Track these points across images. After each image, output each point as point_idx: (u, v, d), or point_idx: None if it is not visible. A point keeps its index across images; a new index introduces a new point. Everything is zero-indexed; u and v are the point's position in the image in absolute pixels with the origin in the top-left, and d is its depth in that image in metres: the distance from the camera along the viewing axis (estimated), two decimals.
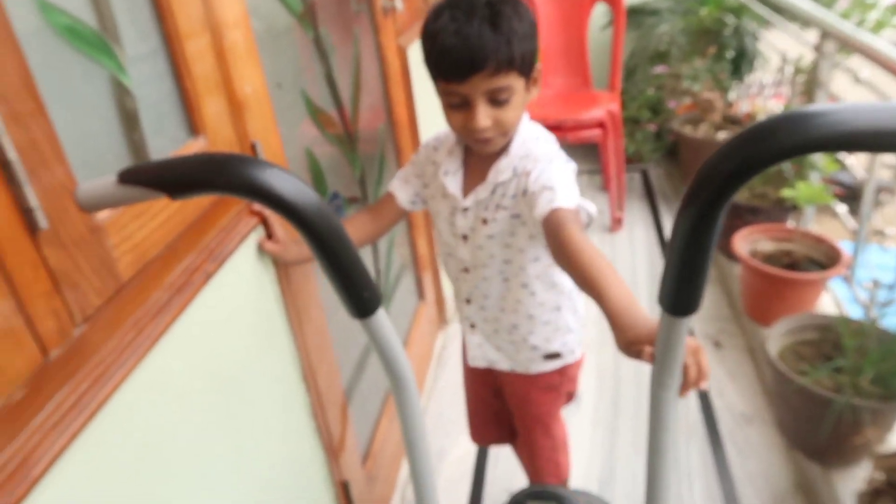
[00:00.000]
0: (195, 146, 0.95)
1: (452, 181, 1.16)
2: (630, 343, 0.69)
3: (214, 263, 0.93)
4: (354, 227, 1.23)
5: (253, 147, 1.09)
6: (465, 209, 1.15)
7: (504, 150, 1.10)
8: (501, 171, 1.10)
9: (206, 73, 0.96)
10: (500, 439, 1.58)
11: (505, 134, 1.05)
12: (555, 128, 2.80)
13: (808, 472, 1.71)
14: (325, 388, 1.29)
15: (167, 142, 0.91)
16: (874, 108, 0.46)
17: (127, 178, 0.59)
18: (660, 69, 3.35)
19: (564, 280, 1.21)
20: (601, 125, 2.88)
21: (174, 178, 0.57)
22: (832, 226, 2.42)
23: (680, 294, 0.59)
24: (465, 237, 1.18)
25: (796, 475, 1.77)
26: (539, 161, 1.06)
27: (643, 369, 2.23)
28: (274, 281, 1.13)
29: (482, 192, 1.12)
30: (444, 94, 1.04)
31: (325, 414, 1.29)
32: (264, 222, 1.08)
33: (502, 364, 1.33)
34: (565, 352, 1.28)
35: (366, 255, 1.76)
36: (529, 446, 1.44)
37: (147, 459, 0.77)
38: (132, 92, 0.83)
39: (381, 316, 0.66)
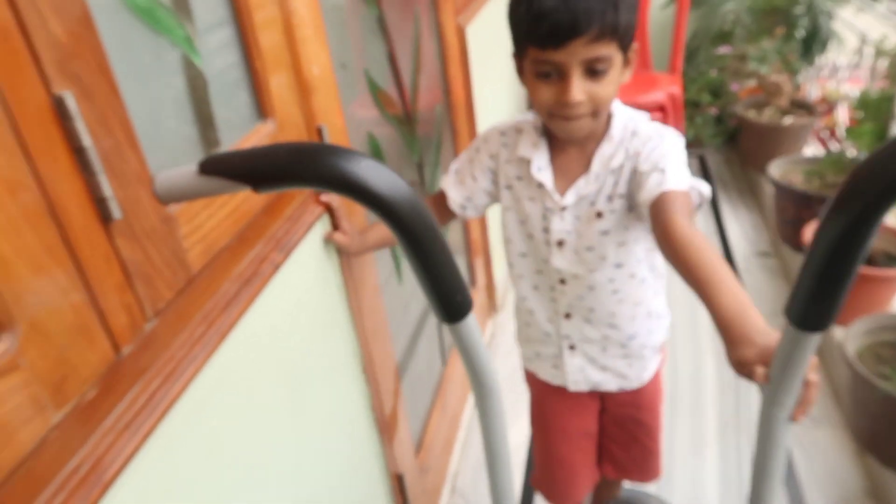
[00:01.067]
0: (264, 130, 0.91)
1: (546, 177, 1.02)
2: (743, 362, 0.62)
3: (282, 253, 0.90)
4: None
5: (319, 131, 1.05)
6: (563, 208, 1.02)
7: (604, 134, 0.99)
8: (612, 157, 0.98)
9: (274, 53, 0.92)
10: (590, 486, 1.34)
11: (596, 113, 0.94)
12: None
13: (881, 477, 1.62)
14: (382, 378, 1.26)
15: (237, 125, 0.87)
16: None
17: (209, 168, 0.54)
18: (723, 50, 3.20)
19: (661, 261, 1.10)
20: (661, 108, 2.77)
21: (260, 170, 0.52)
22: None
23: (814, 307, 0.52)
24: (560, 243, 1.04)
25: (867, 481, 1.68)
26: (650, 138, 0.96)
27: (701, 367, 2.15)
28: (337, 270, 1.09)
29: (585, 185, 1.00)
30: (533, 62, 0.91)
31: (382, 406, 1.26)
32: (330, 211, 1.04)
33: (609, 384, 1.18)
34: (665, 339, 1.18)
35: None
36: (639, 459, 1.30)
37: (216, 455, 0.74)
38: (203, 72, 0.79)
39: (472, 321, 0.61)
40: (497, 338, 2.38)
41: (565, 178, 1.02)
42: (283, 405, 0.92)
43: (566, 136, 0.98)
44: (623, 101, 1.06)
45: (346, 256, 1.10)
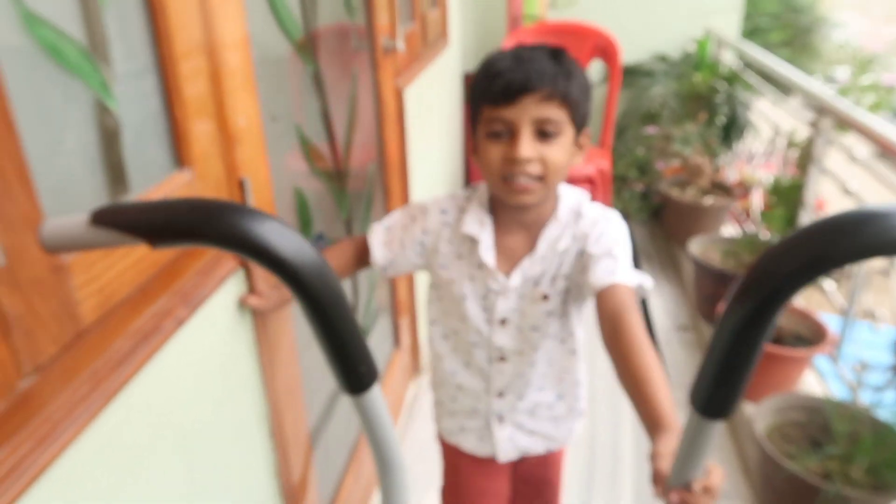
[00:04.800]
0: (180, 179, 0.87)
1: (490, 257, 1.01)
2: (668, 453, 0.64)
3: (188, 309, 0.85)
4: (337, 259, 1.11)
5: (241, 184, 1.02)
6: (508, 290, 1.01)
7: (550, 215, 1.00)
8: (558, 239, 0.99)
9: (198, 100, 0.90)
10: None
11: (545, 179, 0.93)
12: None
13: None
14: (292, 443, 1.20)
15: (151, 173, 0.83)
16: None
17: (101, 219, 0.51)
18: (651, 130, 3.36)
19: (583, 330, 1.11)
20: (591, 181, 2.86)
21: (157, 225, 0.49)
22: (818, 300, 2.40)
23: (717, 395, 0.52)
24: (503, 321, 1.03)
25: None
26: (597, 221, 0.98)
27: (620, 438, 2.16)
28: (250, 327, 1.04)
29: (531, 266, 1.00)
30: (486, 122, 0.93)
31: (289, 472, 1.20)
32: (245, 266, 1.01)
33: (536, 448, 1.17)
34: (585, 406, 1.19)
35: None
36: None
37: None
38: (116, 116, 0.76)
39: (376, 394, 0.58)
40: (420, 399, 2.33)
41: (509, 258, 1.02)
42: (177, 475, 0.85)
43: (516, 205, 0.97)
44: None
45: (260, 314, 1.06)
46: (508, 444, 1.15)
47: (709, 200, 3.05)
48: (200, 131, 0.91)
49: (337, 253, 1.14)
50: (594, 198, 2.99)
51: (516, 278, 1.00)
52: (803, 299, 2.41)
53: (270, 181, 1.12)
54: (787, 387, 1.95)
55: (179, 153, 0.88)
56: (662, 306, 2.90)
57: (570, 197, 1.02)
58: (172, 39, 0.82)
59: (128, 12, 0.78)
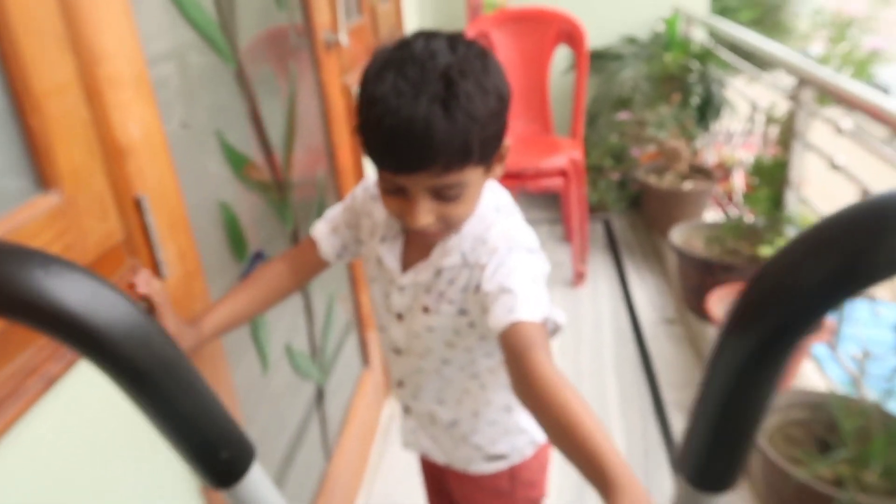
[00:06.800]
0: (43, 204, 0.71)
1: (389, 251, 0.94)
2: None
3: (61, 363, 0.69)
4: (268, 278, 1.01)
5: (138, 202, 0.86)
6: (402, 287, 0.93)
7: None
8: (447, 252, 0.88)
9: (65, 110, 0.73)
10: None
11: (453, 227, 0.85)
12: (515, 176, 2.62)
13: None
14: None
15: (2, 197, 0.67)
16: None
17: None
18: (623, 116, 3.23)
19: None
20: (563, 173, 2.72)
21: None
22: None
23: (713, 462, 0.37)
24: (399, 316, 0.96)
25: None
26: (496, 251, 0.84)
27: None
28: None
29: (423, 272, 0.91)
30: (378, 175, 0.82)
31: None
32: (147, 301, 0.85)
33: (436, 455, 1.11)
34: (513, 453, 1.06)
35: (297, 316, 1.52)
36: None
37: None
38: None
39: (255, 478, 0.43)
40: (396, 420, 2.18)
41: (414, 254, 0.93)
42: None
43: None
44: (525, 166, 0.96)
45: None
46: (411, 435, 1.13)
47: (688, 185, 2.92)
48: (72, 144, 0.75)
49: (265, 274, 1.01)
50: (567, 192, 2.85)
51: (408, 278, 0.93)
52: None
53: (181, 197, 0.97)
54: (786, 382, 1.82)
55: (42, 171, 0.72)
56: (647, 299, 2.76)
57: (485, 206, 0.89)
58: (21, 54, 0.66)
59: None
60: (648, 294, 2.80)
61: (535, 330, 0.73)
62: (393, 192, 0.81)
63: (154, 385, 0.36)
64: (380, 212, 0.95)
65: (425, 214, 0.79)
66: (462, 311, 0.90)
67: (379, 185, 0.83)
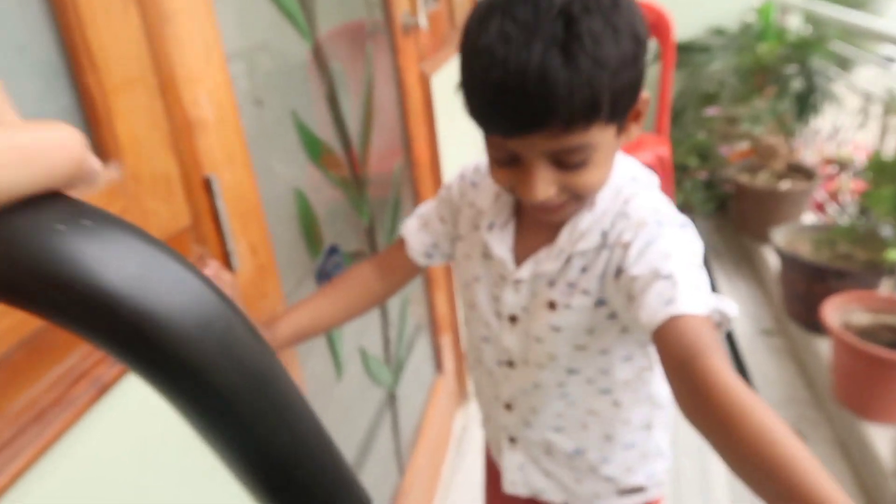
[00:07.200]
0: (100, 178, 0.61)
1: (499, 240, 0.79)
2: None
3: (115, 368, 0.58)
4: (355, 283, 0.89)
5: (207, 183, 0.76)
6: (518, 281, 0.78)
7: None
8: (582, 234, 0.72)
9: (126, 70, 0.63)
10: None
11: (579, 199, 0.70)
12: None
13: None
14: None
15: None
16: None
17: None
18: (711, 111, 3.01)
19: (662, 389, 0.83)
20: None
21: None
22: None
23: None
24: (512, 318, 0.80)
25: None
26: (644, 225, 0.69)
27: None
28: None
29: (547, 261, 0.75)
30: (487, 143, 0.69)
31: None
32: None
33: (552, 495, 0.93)
34: (651, 485, 0.89)
35: (372, 321, 1.40)
36: None
37: None
38: None
39: None
40: (470, 430, 2.05)
41: (530, 242, 0.77)
42: None
43: (544, 220, 0.74)
44: None
45: None
46: (517, 473, 0.93)
47: (785, 185, 2.68)
48: (135, 111, 0.64)
49: (352, 277, 0.90)
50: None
51: (526, 270, 0.76)
52: None
53: (254, 181, 0.86)
54: None
55: (98, 139, 0.62)
56: (741, 309, 2.54)
57: (620, 175, 0.73)
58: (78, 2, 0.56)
59: None
60: (742, 303, 2.58)
61: (702, 326, 0.58)
62: (504, 162, 0.67)
63: (239, 411, 0.23)
64: (483, 198, 0.82)
65: (545, 186, 0.65)
66: (600, 302, 0.74)
67: (488, 155, 0.70)
